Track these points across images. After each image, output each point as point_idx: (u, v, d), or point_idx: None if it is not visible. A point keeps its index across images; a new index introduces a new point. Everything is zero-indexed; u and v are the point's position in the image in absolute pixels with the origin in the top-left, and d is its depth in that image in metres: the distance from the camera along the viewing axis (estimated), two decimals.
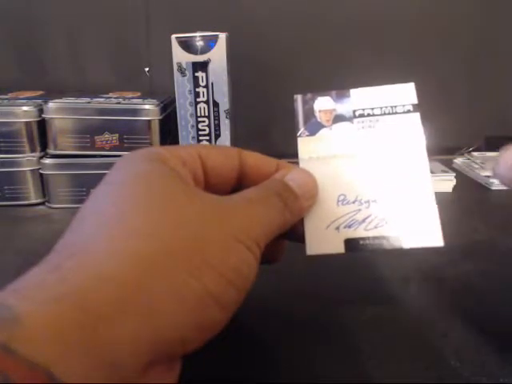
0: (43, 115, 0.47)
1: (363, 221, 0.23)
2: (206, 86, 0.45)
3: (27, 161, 0.48)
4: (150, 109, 0.47)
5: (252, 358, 0.24)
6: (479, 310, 0.28)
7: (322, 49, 0.61)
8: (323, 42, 0.61)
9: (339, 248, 0.23)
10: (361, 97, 0.26)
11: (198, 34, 0.43)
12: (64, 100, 0.48)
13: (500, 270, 0.33)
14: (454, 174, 0.51)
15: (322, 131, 0.25)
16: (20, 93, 0.56)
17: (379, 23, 0.61)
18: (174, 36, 0.44)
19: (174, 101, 0.47)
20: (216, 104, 0.45)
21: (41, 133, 0.48)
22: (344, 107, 0.26)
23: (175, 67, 0.44)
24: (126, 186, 0.18)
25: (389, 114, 0.25)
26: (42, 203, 0.49)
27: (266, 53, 0.62)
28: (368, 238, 0.23)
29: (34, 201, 0.49)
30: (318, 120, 0.26)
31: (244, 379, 0.23)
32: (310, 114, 0.26)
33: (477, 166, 0.58)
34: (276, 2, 0.61)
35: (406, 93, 0.25)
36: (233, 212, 0.19)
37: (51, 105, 0.47)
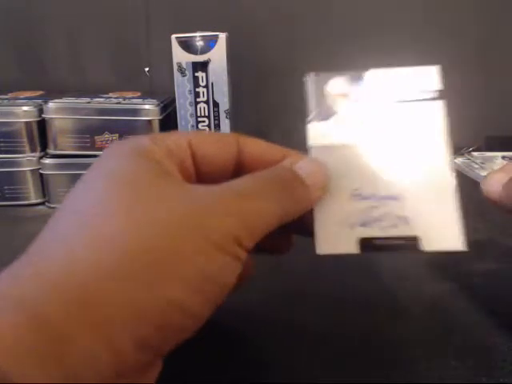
0: (43, 115, 0.47)
1: (379, 219, 0.21)
2: (206, 86, 0.45)
3: (27, 161, 0.48)
4: (150, 109, 0.47)
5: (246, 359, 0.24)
6: (481, 309, 0.28)
7: (322, 48, 0.61)
8: (324, 41, 0.61)
9: (353, 248, 0.21)
10: (379, 79, 0.23)
11: (197, 33, 0.43)
12: (64, 100, 0.48)
13: (500, 269, 0.33)
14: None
15: (335, 117, 0.23)
16: (20, 93, 0.56)
17: (382, 20, 0.61)
18: (173, 36, 0.44)
19: (174, 101, 0.47)
20: (216, 104, 0.46)
21: (41, 133, 0.48)
22: (360, 90, 0.23)
23: (175, 67, 0.44)
24: (95, 189, 0.17)
25: (410, 100, 0.23)
26: (42, 203, 0.49)
27: (266, 53, 0.62)
28: (384, 238, 0.21)
29: (34, 201, 0.49)
30: (331, 104, 0.23)
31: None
32: (322, 96, 0.23)
33: (477, 166, 0.58)
34: (276, 1, 0.61)
35: (429, 77, 0.23)
36: (212, 210, 0.17)
37: (51, 105, 0.47)
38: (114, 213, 0.16)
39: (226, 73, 0.44)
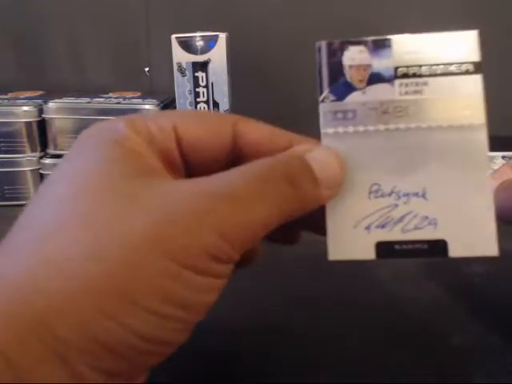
0: (43, 115, 0.47)
1: (400, 220, 0.19)
2: (206, 86, 0.45)
3: (27, 161, 0.48)
4: (150, 109, 0.47)
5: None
6: (482, 311, 0.28)
7: None
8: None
9: (369, 253, 0.19)
10: (405, 49, 0.19)
11: (198, 33, 0.43)
12: (64, 100, 0.48)
13: (500, 270, 0.33)
14: None
15: (353, 95, 0.19)
16: (20, 93, 0.56)
17: (378, 25, 0.61)
18: (174, 36, 0.44)
19: (174, 101, 0.47)
20: (216, 104, 0.46)
21: (41, 133, 0.48)
22: (382, 62, 0.19)
23: (175, 67, 0.44)
24: (54, 196, 0.16)
25: (441, 74, 0.19)
26: None
27: (266, 53, 0.62)
28: (405, 241, 0.18)
29: None
30: (348, 79, 0.19)
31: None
32: (337, 70, 0.20)
33: None
34: (276, 1, 0.61)
35: (465, 45, 0.19)
36: (185, 222, 0.14)
37: (51, 105, 0.47)
38: (66, 230, 0.14)
39: (226, 73, 0.44)
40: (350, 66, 0.19)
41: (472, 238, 0.18)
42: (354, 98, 0.19)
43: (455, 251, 0.18)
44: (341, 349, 0.25)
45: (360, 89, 0.19)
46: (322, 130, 0.19)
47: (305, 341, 0.25)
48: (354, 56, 0.19)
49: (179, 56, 0.44)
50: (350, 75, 0.19)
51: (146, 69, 0.62)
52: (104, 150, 0.16)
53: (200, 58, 0.44)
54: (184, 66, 0.44)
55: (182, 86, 0.45)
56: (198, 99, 0.45)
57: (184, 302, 0.14)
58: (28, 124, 0.47)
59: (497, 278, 0.32)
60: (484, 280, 0.32)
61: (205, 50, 0.44)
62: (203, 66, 0.44)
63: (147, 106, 0.47)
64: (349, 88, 0.19)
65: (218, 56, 0.44)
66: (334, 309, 0.29)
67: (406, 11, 0.61)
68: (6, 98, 0.51)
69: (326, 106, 0.19)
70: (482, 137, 0.19)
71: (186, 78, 0.45)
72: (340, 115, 0.19)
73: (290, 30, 0.61)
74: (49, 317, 0.13)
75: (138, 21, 0.61)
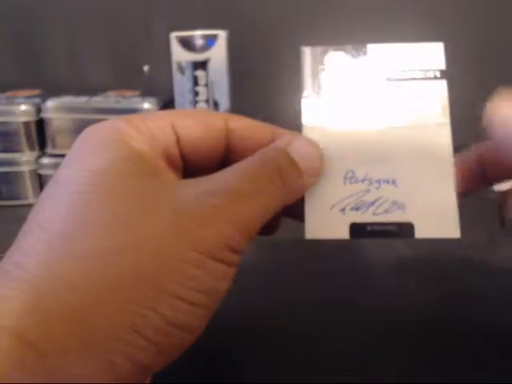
0: (41, 114, 0.47)
1: (372, 203, 0.20)
2: (206, 85, 0.45)
3: (25, 160, 0.47)
4: (149, 108, 0.47)
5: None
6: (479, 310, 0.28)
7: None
8: (324, 40, 0.61)
9: (343, 233, 0.20)
10: (379, 55, 0.22)
11: (197, 32, 0.43)
12: (62, 99, 0.48)
13: (500, 270, 0.33)
14: None
15: (332, 94, 0.22)
16: (18, 92, 0.55)
17: (381, 16, 0.61)
18: (173, 34, 0.43)
19: (173, 100, 0.46)
20: (216, 103, 0.45)
21: (39, 132, 0.47)
22: (359, 67, 0.22)
23: (175, 66, 0.44)
24: (76, 193, 0.16)
25: (411, 79, 0.22)
26: None
27: (266, 52, 0.61)
28: (377, 223, 0.20)
29: (32, 201, 0.48)
30: (328, 80, 0.22)
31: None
32: (318, 72, 0.22)
33: None
34: (276, 1, 0.61)
35: (432, 55, 0.22)
36: (203, 219, 0.16)
37: (49, 104, 0.46)
38: (94, 229, 0.15)
39: (225, 72, 0.44)
40: (330, 69, 0.22)
41: (436, 221, 0.20)
42: (332, 96, 0.22)
43: (421, 233, 0.20)
44: (341, 347, 0.25)
45: (338, 89, 0.22)
46: (304, 124, 0.22)
47: (304, 340, 0.25)
48: (334, 60, 0.22)
49: (178, 54, 0.44)
50: (330, 77, 0.22)
51: (145, 67, 0.62)
52: (114, 150, 0.17)
53: (199, 57, 0.44)
54: (183, 65, 0.44)
55: (181, 85, 0.45)
56: (197, 98, 0.45)
57: (208, 288, 0.16)
58: (26, 123, 0.47)
59: (497, 278, 0.32)
60: (486, 279, 0.31)
61: (204, 49, 0.43)
62: (203, 65, 0.44)
63: (146, 105, 0.47)
64: (328, 88, 0.22)
65: (217, 54, 0.44)
66: (334, 308, 0.28)
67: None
68: (4, 97, 0.51)
69: (308, 103, 0.22)
70: (447, 133, 0.21)
71: (185, 76, 0.44)
72: (319, 111, 0.22)
73: (290, 29, 0.61)
74: (84, 311, 0.14)
75: (137, 19, 0.61)
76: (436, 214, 0.20)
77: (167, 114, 0.20)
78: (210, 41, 0.43)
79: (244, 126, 0.21)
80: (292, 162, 0.19)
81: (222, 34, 0.43)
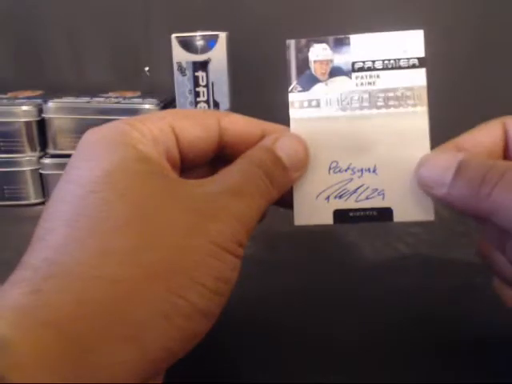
0: (43, 115, 0.47)
1: (355, 191, 0.22)
2: (206, 86, 0.45)
3: (27, 160, 0.48)
4: (149, 108, 0.47)
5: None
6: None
7: None
8: None
9: (328, 219, 0.22)
10: (362, 46, 0.23)
11: (198, 33, 0.43)
12: (63, 99, 0.48)
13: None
14: None
15: (317, 87, 0.23)
16: (19, 92, 0.55)
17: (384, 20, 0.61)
18: (173, 35, 0.43)
19: (173, 100, 0.47)
20: (216, 104, 0.45)
21: (40, 132, 0.48)
22: (342, 58, 0.23)
23: (175, 67, 0.44)
24: (97, 193, 0.17)
25: (391, 68, 0.22)
26: (42, 203, 0.49)
27: (267, 52, 0.61)
28: (358, 209, 0.22)
29: (33, 201, 0.49)
30: (313, 73, 0.23)
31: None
32: (303, 64, 0.23)
33: None
34: (276, 1, 0.61)
35: (412, 42, 0.22)
36: (215, 215, 0.17)
37: (51, 104, 0.47)
38: (124, 227, 0.16)
39: (226, 73, 0.44)
40: (315, 61, 0.23)
41: (413, 206, 0.22)
42: (317, 88, 0.23)
43: (399, 217, 0.22)
44: (341, 346, 0.25)
45: (323, 81, 0.23)
46: (291, 116, 0.23)
47: (305, 336, 0.25)
48: (318, 52, 0.23)
49: (179, 55, 0.44)
50: (315, 69, 0.23)
51: (146, 68, 0.62)
52: (123, 151, 0.18)
53: (200, 58, 0.44)
54: (184, 66, 0.44)
55: (181, 86, 0.45)
56: (198, 99, 0.45)
57: (225, 278, 0.17)
58: (27, 124, 0.47)
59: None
60: (485, 278, 0.32)
61: (205, 50, 0.44)
62: (203, 66, 0.44)
63: (147, 106, 0.47)
64: (313, 80, 0.23)
65: (218, 55, 0.44)
66: (334, 304, 0.29)
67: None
68: (6, 98, 0.51)
69: (294, 96, 0.23)
70: (424, 121, 0.22)
71: (185, 77, 0.44)
72: (306, 103, 0.23)
73: (290, 29, 0.61)
74: (120, 302, 0.15)
75: (137, 20, 0.61)
76: (412, 199, 0.22)
77: (165, 115, 0.21)
78: (211, 42, 0.43)
79: (235, 124, 0.22)
80: (278, 160, 0.20)
81: (222, 35, 0.43)
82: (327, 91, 0.23)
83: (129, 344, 0.14)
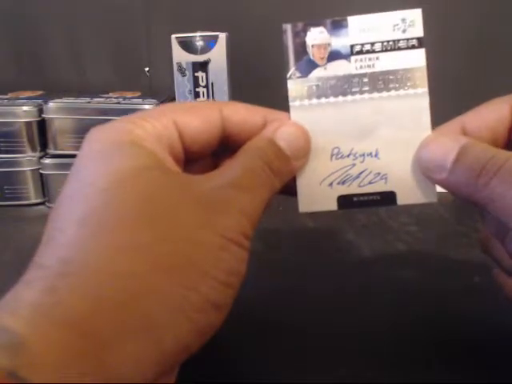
0: (43, 115, 0.47)
1: (357, 176, 0.22)
2: (206, 86, 0.45)
3: (27, 161, 0.48)
4: (150, 109, 0.47)
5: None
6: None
7: None
8: None
9: (332, 205, 0.22)
10: (360, 27, 0.22)
11: (198, 33, 0.43)
12: (64, 100, 0.48)
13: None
14: None
15: (316, 72, 0.22)
16: (20, 93, 0.56)
17: None
18: (173, 36, 0.44)
19: (173, 100, 0.47)
20: None
21: (41, 133, 0.48)
22: (340, 41, 0.22)
23: (175, 67, 0.44)
24: (107, 190, 0.17)
25: (390, 50, 0.22)
26: (42, 203, 0.49)
27: (266, 53, 0.61)
28: (362, 194, 0.22)
29: (33, 201, 0.49)
30: (311, 58, 0.22)
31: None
32: (301, 49, 0.22)
33: None
34: (276, 1, 0.61)
35: (410, 22, 0.22)
36: (224, 210, 0.18)
37: (51, 105, 0.47)
38: (136, 223, 0.16)
39: (226, 73, 0.44)
40: (313, 46, 0.22)
41: (416, 188, 0.22)
42: (316, 73, 0.22)
43: (402, 200, 0.22)
44: (341, 346, 0.25)
45: (322, 65, 0.22)
46: (290, 104, 0.22)
47: (305, 336, 0.25)
48: (315, 36, 0.22)
49: (179, 56, 0.44)
50: (313, 53, 0.22)
51: (146, 69, 0.62)
52: (130, 150, 0.18)
53: (200, 58, 0.44)
54: (184, 66, 0.44)
55: (181, 86, 0.45)
56: (197, 99, 0.45)
57: (236, 270, 0.17)
58: (28, 124, 0.47)
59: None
60: (486, 277, 0.32)
61: (205, 50, 0.44)
62: (203, 66, 0.44)
63: (147, 106, 0.47)
64: (312, 65, 0.22)
65: (217, 56, 0.44)
66: (334, 304, 0.29)
67: None
68: (6, 98, 0.51)
69: (293, 82, 0.22)
70: (425, 103, 0.22)
71: (185, 77, 0.44)
72: (305, 89, 0.22)
73: None
74: (134, 297, 0.15)
75: (137, 21, 0.61)
76: (415, 182, 0.22)
77: (167, 111, 0.21)
78: (211, 43, 0.44)
79: (236, 113, 0.22)
80: (279, 151, 0.20)
81: (222, 36, 0.44)
82: (327, 76, 0.22)
83: (146, 339, 0.15)
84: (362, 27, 0.22)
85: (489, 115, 0.21)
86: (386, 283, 0.31)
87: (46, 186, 0.48)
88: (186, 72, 0.44)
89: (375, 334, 0.26)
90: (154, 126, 0.19)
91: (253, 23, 0.61)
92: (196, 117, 0.21)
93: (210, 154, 0.22)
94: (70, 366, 0.13)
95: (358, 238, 0.38)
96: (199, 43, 0.43)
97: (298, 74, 0.22)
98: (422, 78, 0.22)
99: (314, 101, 0.22)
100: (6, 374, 0.12)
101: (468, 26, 0.59)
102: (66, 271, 0.15)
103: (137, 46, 0.62)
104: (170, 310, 0.15)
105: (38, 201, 0.49)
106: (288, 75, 0.22)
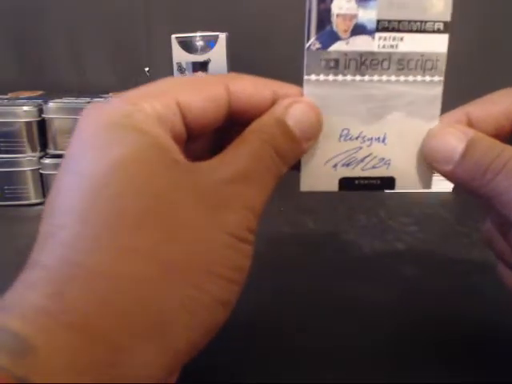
0: (43, 115, 0.47)
1: (362, 160, 0.22)
2: None
3: (27, 161, 0.48)
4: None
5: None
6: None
7: None
8: None
9: (333, 186, 0.22)
10: (389, 1, 0.20)
11: (197, 33, 0.43)
12: (64, 100, 0.48)
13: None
14: None
15: (337, 45, 0.21)
16: (20, 93, 0.56)
17: None
18: (173, 36, 0.44)
19: None
20: None
21: (41, 133, 0.48)
22: (367, 14, 0.20)
23: (175, 67, 0.44)
24: (107, 185, 0.16)
25: (416, 31, 0.21)
26: (42, 203, 0.49)
27: (267, 53, 0.61)
28: (364, 178, 0.22)
29: (34, 201, 0.49)
30: (334, 29, 0.21)
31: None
32: (325, 18, 0.20)
33: None
34: (276, 1, 0.61)
35: (441, 5, 0.20)
36: (226, 204, 0.17)
37: (51, 105, 0.47)
38: (140, 223, 0.16)
39: (225, 73, 0.44)
40: (338, 15, 0.20)
41: (414, 176, 0.22)
42: (337, 47, 0.21)
43: (400, 186, 0.22)
44: (341, 346, 0.25)
45: (344, 39, 0.21)
46: (305, 77, 0.21)
47: (305, 336, 0.25)
48: (341, 5, 0.20)
49: (179, 56, 0.44)
50: (337, 24, 0.20)
51: (146, 69, 0.62)
52: (129, 137, 0.17)
53: (200, 58, 0.44)
54: (184, 66, 0.44)
55: None
56: None
57: (239, 266, 0.17)
58: (28, 124, 0.47)
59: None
60: (486, 277, 0.32)
61: (205, 50, 0.44)
62: (203, 66, 0.44)
63: None
64: (334, 37, 0.21)
65: (217, 56, 0.44)
66: (333, 304, 0.29)
67: None
68: (6, 98, 0.52)
69: (312, 54, 0.21)
70: (439, 91, 0.21)
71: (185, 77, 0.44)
72: (323, 63, 0.21)
73: (290, 29, 0.61)
74: (143, 299, 0.15)
75: (137, 21, 0.61)
76: (415, 170, 0.22)
77: (169, 88, 0.19)
78: (211, 43, 0.44)
79: (244, 87, 0.20)
80: (289, 133, 0.19)
81: (222, 36, 0.44)
82: (347, 51, 0.21)
83: (157, 341, 0.15)
84: (392, 1, 0.20)
85: (493, 106, 0.21)
86: (386, 283, 0.31)
87: (46, 186, 0.48)
88: (186, 72, 0.44)
89: (375, 334, 0.26)
90: (154, 106, 0.18)
91: (253, 23, 0.61)
92: (201, 96, 0.19)
93: (216, 130, 0.21)
94: (82, 371, 0.13)
95: (359, 238, 0.38)
96: (199, 43, 0.44)
97: (317, 45, 0.21)
98: (441, 65, 0.21)
99: (331, 77, 0.21)
100: (14, 378, 0.12)
101: (469, 25, 0.59)
102: (70, 274, 0.15)
103: (137, 46, 0.62)
104: (177, 310, 0.15)
105: (38, 201, 0.49)
106: (307, 45, 0.21)
